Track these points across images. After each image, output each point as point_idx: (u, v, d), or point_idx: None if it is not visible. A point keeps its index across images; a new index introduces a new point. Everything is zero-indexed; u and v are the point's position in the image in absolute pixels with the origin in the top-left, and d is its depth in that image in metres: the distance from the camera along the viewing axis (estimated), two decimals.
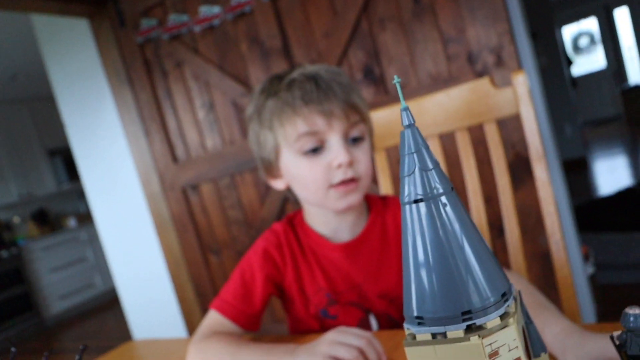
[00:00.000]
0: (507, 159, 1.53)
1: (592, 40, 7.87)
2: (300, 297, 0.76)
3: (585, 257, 1.79)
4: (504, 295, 0.27)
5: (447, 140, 1.62)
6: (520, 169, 1.63)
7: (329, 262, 0.76)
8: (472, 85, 1.01)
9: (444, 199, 0.28)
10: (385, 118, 1.05)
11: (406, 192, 0.28)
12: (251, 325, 0.75)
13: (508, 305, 0.27)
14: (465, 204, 1.03)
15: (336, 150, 0.67)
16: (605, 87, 7.58)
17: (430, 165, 0.28)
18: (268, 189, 2.06)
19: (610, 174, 4.26)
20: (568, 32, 7.94)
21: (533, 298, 0.58)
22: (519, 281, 0.64)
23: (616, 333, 0.30)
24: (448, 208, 0.27)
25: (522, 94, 0.95)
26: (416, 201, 0.28)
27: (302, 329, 0.78)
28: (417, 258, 0.27)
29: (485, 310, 0.26)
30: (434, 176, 0.28)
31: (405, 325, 0.28)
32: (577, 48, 7.98)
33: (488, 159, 1.49)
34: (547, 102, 1.85)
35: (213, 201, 2.19)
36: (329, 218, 0.75)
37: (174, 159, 2.24)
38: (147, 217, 2.32)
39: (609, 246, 2.14)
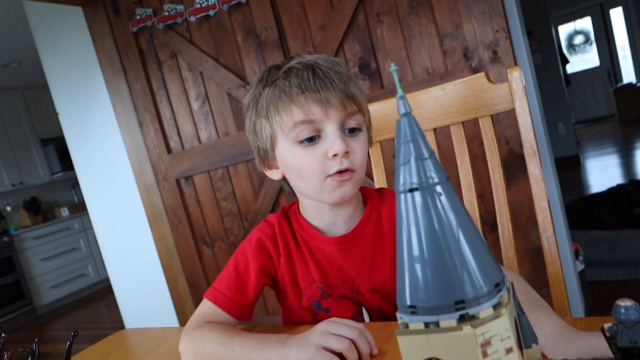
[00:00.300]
0: (501, 155, 1.53)
1: (587, 39, 7.90)
2: (293, 289, 0.76)
3: (575, 254, 1.81)
4: (497, 285, 0.27)
5: (442, 135, 1.62)
6: (514, 165, 1.64)
7: (322, 255, 0.75)
8: (468, 80, 1.01)
9: (439, 188, 0.28)
10: (380, 111, 1.05)
11: (401, 181, 0.28)
12: (244, 316, 0.75)
13: (501, 296, 0.27)
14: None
15: (332, 139, 0.67)
16: (599, 85, 7.63)
17: (426, 155, 0.28)
18: (262, 181, 2.06)
19: (602, 172, 4.30)
20: (563, 30, 7.96)
21: (526, 296, 0.58)
22: (513, 277, 0.64)
23: (607, 325, 0.30)
24: (443, 197, 0.27)
25: (517, 90, 0.95)
26: (411, 190, 0.28)
27: (295, 321, 0.78)
28: (411, 247, 0.27)
29: (478, 300, 0.26)
30: (429, 165, 0.28)
31: (398, 314, 0.28)
32: (571, 46, 8.01)
33: (482, 154, 1.50)
34: (542, 100, 1.85)
35: (206, 193, 2.18)
36: (324, 212, 0.75)
37: (168, 149, 2.23)
38: (140, 207, 2.31)
39: (598, 243, 2.16)
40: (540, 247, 1.29)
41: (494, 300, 0.26)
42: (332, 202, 0.71)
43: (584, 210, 2.47)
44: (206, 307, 0.74)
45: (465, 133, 1.01)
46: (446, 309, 0.26)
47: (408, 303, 0.27)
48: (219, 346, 0.66)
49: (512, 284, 0.29)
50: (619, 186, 2.73)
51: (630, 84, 7.04)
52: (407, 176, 0.28)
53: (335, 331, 0.58)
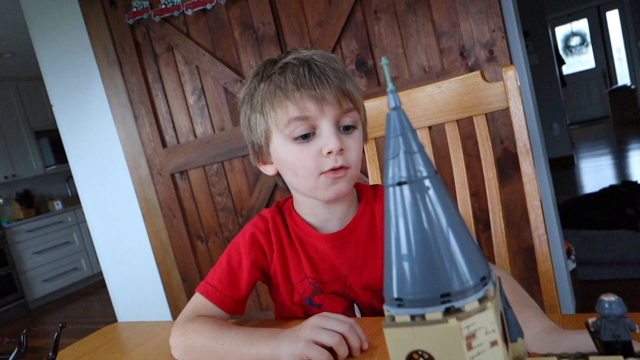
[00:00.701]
0: (496, 154, 1.54)
1: (583, 41, 7.93)
2: (285, 284, 0.76)
3: (567, 253, 1.82)
4: (483, 279, 0.27)
5: (437, 133, 1.63)
6: (508, 164, 1.65)
7: (315, 252, 0.75)
8: (463, 79, 1.02)
9: (427, 182, 0.28)
10: (375, 108, 1.05)
11: (390, 175, 0.28)
12: (235, 310, 0.75)
13: (487, 290, 0.27)
14: (453, 197, 1.04)
15: (327, 137, 0.67)
16: (594, 87, 7.67)
17: (415, 148, 0.28)
18: (257, 176, 2.05)
19: (595, 173, 4.33)
20: (560, 32, 7.99)
21: (516, 295, 0.59)
22: (503, 276, 0.65)
23: (591, 320, 0.30)
24: (431, 191, 0.27)
25: (512, 89, 0.96)
26: (400, 183, 0.28)
27: (287, 316, 0.78)
28: (399, 240, 0.27)
29: (464, 294, 0.26)
30: (418, 159, 0.28)
31: (384, 307, 0.28)
32: (568, 48, 8.05)
33: (477, 153, 1.50)
34: (537, 100, 1.86)
35: (201, 187, 2.18)
36: (318, 208, 0.75)
37: (163, 144, 2.22)
38: (134, 201, 2.30)
39: (590, 243, 2.18)
40: (533, 246, 1.30)
41: (480, 294, 0.26)
42: (326, 199, 0.71)
43: (577, 210, 2.48)
44: (198, 301, 0.74)
45: (461, 132, 1.02)
46: (432, 302, 0.26)
47: (395, 296, 0.27)
48: (209, 340, 0.66)
49: (499, 278, 0.30)
50: (611, 187, 2.75)
51: (624, 86, 7.08)
52: (396, 170, 0.28)
53: (326, 325, 0.58)
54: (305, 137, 0.68)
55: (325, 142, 0.67)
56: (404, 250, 0.27)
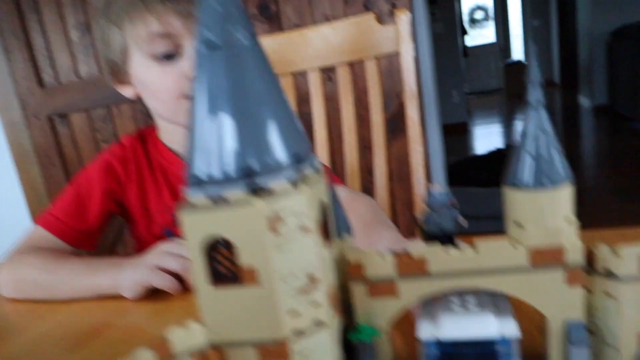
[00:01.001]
0: (392, 108, 1.56)
1: (486, 15, 8.40)
2: (143, 215, 0.70)
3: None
4: (297, 157, 0.24)
5: (332, 87, 1.61)
6: (403, 119, 1.68)
7: (178, 182, 0.70)
8: (357, 20, 1.00)
9: (242, 46, 0.23)
10: (269, 47, 1.00)
11: (201, 35, 0.24)
12: (84, 243, 0.67)
13: (302, 172, 0.24)
14: (340, 142, 1.04)
15: (192, 57, 0.60)
16: (492, 60, 8.20)
17: (233, 9, 0.24)
18: (148, 123, 1.91)
19: (485, 138, 4.69)
20: (466, 5, 8.37)
21: (377, 217, 0.59)
22: (368, 202, 0.64)
23: (420, 213, 0.29)
24: (246, 57, 0.23)
25: (403, 33, 0.96)
26: (211, 46, 0.23)
27: (145, 250, 0.73)
28: (203, 109, 0.23)
29: (272, 172, 0.23)
30: (235, 21, 0.24)
31: (183, 190, 0.24)
32: (472, 21, 8.48)
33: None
34: (439, 68, 1.91)
35: (85, 133, 1.98)
36: (183, 136, 0.69)
37: (40, 83, 1.97)
38: (4, 147, 2.04)
39: (473, 199, 2.35)
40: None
41: (292, 175, 0.23)
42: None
43: (465, 170, 2.66)
44: (35, 234, 0.65)
45: (357, 85, 1.00)
46: (236, 182, 0.22)
47: (194, 175, 0.23)
48: (43, 272, 0.57)
49: (325, 167, 0.27)
50: (497, 150, 2.99)
51: (519, 62, 7.67)
52: (206, 31, 0.23)
53: (173, 251, 0.53)
54: (169, 57, 0.61)
55: (190, 63, 0.61)
56: (207, 119, 0.23)
